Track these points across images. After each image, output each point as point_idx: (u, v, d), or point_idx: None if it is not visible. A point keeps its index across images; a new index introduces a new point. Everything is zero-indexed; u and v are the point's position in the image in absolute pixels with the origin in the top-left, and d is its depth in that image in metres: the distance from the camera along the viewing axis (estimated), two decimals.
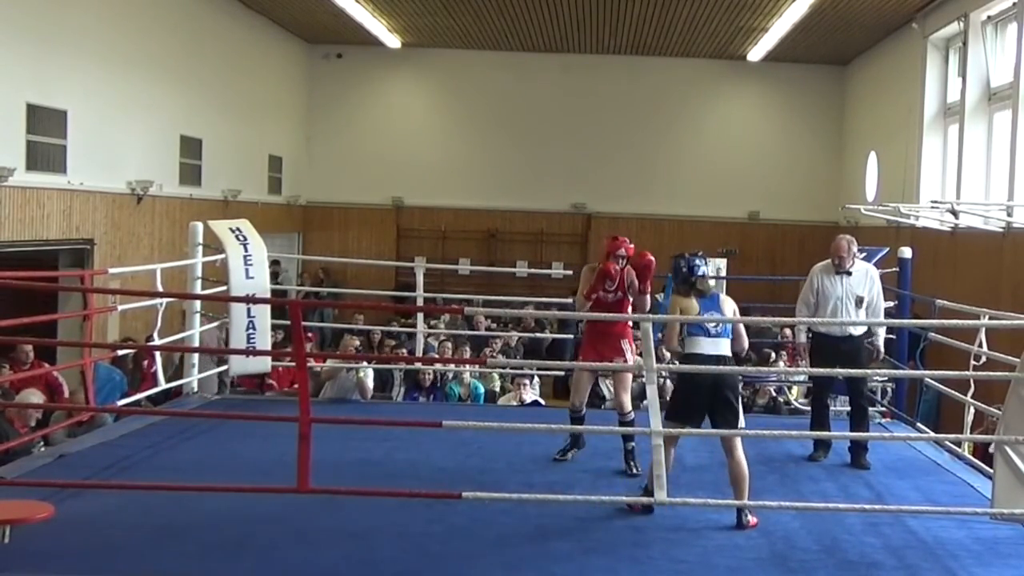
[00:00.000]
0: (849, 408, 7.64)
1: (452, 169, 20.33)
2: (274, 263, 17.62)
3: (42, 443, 7.43)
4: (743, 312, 6.48)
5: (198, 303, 9.06)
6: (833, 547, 5.35)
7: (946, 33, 14.27)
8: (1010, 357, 6.34)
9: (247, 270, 8.61)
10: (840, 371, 6.74)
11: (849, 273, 7.31)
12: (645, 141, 20.22)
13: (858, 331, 7.27)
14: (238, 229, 8.80)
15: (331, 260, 18.46)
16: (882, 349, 7.65)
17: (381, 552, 5.09)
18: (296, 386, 9.10)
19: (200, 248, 9.04)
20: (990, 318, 6.86)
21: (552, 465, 6.89)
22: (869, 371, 9.34)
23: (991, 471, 5.49)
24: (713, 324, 5.76)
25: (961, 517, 5.77)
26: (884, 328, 7.65)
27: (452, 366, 10.79)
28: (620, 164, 20.13)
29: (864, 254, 9.08)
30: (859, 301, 7.26)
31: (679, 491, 5.88)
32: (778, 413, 10.17)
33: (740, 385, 5.81)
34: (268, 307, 8.85)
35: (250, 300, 8.32)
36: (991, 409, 6.68)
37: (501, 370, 10.94)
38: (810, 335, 7.58)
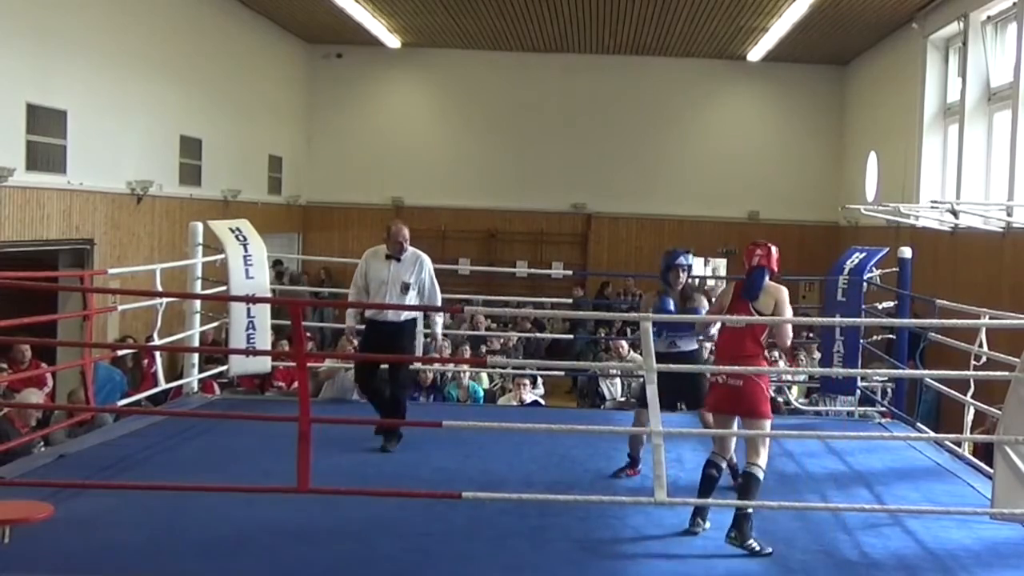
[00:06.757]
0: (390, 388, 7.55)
1: (452, 169, 20.34)
2: (276, 263, 17.65)
3: (42, 443, 7.43)
4: None
5: (198, 303, 9.06)
6: (833, 547, 5.35)
7: (946, 33, 14.27)
8: (1010, 357, 6.33)
9: (247, 270, 8.62)
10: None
11: (399, 259, 7.37)
12: (645, 141, 20.22)
13: (400, 317, 7.31)
14: (238, 229, 8.81)
15: (331, 260, 18.45)
16: (439, 337, 7.81)
17: (381, 552, 5.08)
18: (296, 386, 9.10)
19: (200, 248, 9.04)
20: (990, 318, 6.86)
21: (552, 465, 6.89)
22: (870, 371, 9.41)
23: (991, 471, 5.49)
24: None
25: (961, 517, 5.77)
26: (440, 320, 7.87)
27: (450, 367, 10.78)
28: (620, 164, 20.14)
29: (865, 254, 9.10)
30: (405, 287, 7.33)
31: (679, 491, 5.89)
32: (778, 413, 10.14)
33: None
34: (268, 307, 8.85)
35: (250, 300, 8.32)
36: (991, 409, 6.68)
37: (501, 370, 10.94)
38: (360, 319, 7.74)
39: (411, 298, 7.35)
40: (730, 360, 5.47)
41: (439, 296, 7.60)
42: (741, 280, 5.70)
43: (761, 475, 5.36)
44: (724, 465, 5.63)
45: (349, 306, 7.78)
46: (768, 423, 5.53)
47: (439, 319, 7.79)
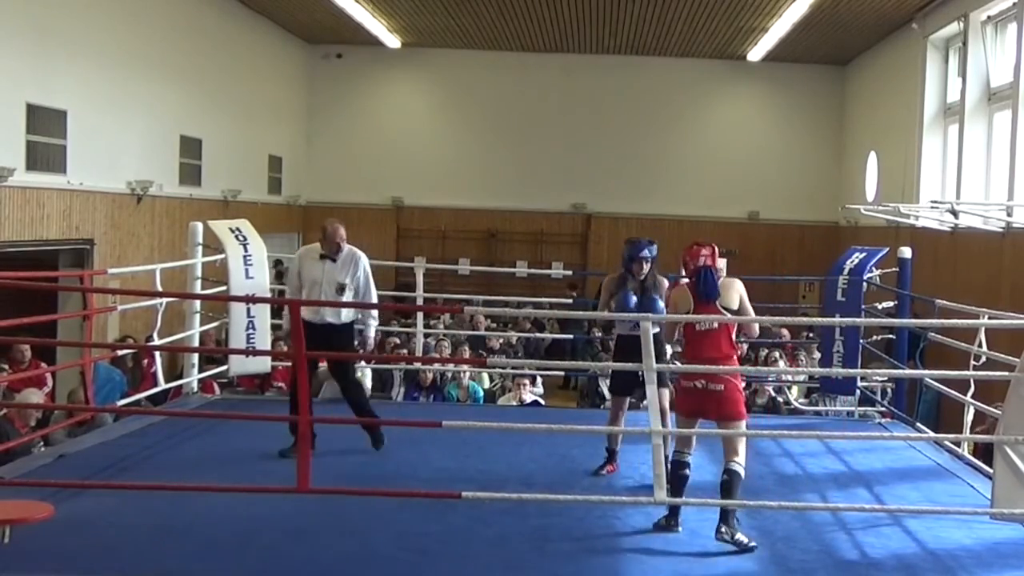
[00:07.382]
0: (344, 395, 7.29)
1: (452, 169, 20.34)
2: (276, 263, 17.63)
3: (42, 443, 7.44)
4: None
5: (198, 303, 9.07)
6: (833, 547, 5.35)
7: (946, 33, 14.27)
8: (1010, 357, 6.33)
9: (247, 270, 8.62)
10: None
11: (334, 260, 7.10)
12: (645, 141, 20.22)
13: (339, 320, 7.04)
14: (238, 229, 8.82)
15: None
16: (370, 340, 7.38)
17: (380, 551, 5.09)
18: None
19: (200, 248, 9.05)
20: (990, 318, 6.86)
21: (552, 465, 6.89)
22: (870, 371, 9.41)
23: (991, 471, 5.49)
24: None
25: (961, 517, 5.77)
26: (375, 322, 7.42)
27: (451, 367, 10.78)
28: (620, 164, 20.13)
29: (864, 254, 9.10)
30: (340, 288, 7.05)
31: None
32: (777, 413, 10.17)
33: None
34: (268, 307, 8.86)
35: (250, 300, 8.33)
36: (991, 409, 6.68)
37: (500, 370, 10.94)
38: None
39: (347, 299, 7.07)
40: (708, 363, 5.43)
41: (374, 294, 7.35)
42: (691, 281, 5.65)
43: (742, 471, 5.40)
44: (691, 460, 5.64)
45: (315, 304, 7.12)
46: (744, 423, 5.56)
47: (373, 320, 7.38)
